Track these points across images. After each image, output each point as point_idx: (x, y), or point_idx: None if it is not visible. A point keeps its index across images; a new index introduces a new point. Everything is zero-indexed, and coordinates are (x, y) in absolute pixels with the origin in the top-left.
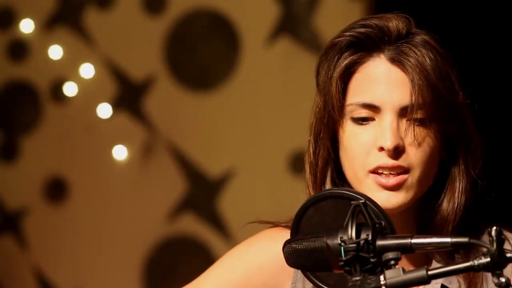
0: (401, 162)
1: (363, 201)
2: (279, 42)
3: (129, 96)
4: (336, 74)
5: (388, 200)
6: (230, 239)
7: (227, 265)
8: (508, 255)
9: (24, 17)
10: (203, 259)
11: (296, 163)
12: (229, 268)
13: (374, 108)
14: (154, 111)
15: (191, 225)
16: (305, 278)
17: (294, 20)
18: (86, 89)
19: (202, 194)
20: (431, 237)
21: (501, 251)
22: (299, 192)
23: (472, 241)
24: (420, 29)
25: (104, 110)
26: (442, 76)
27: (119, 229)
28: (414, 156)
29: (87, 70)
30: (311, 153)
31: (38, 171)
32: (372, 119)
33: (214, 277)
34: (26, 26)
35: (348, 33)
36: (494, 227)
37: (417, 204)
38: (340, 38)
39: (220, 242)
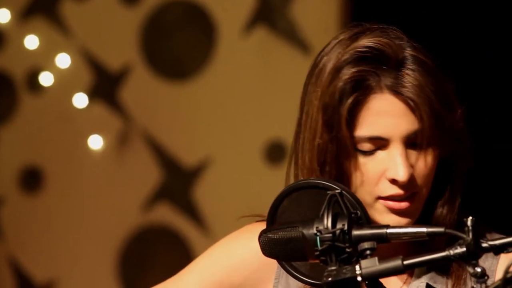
0: (411, 189)
1: (339, 191)
2: (256, 32)
3: (105, 86)
4: (344, 113)
5: (399, 222)
6: (206, 229)
7: (211, 258)
8: (484, 245)
9: (0, 7)
10: (178, 248)
11: (271, 153)
12: (212, 261)
13: (381, 141)
14: (130, 101)
15: (167, 215)
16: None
17: (270, 10)
18: (62, 79)
19: (178, 183)
20: (406, 227)
21: (477, 241)
22: (275, 182)
23: (448, 231)
24: (410, 41)
25: (80, 100)
26: (443, 98)
27: (94, 219)
28: (421, 179)
29: (63, 60)
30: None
31: (13, 161)
32: (379, 148)
33: (198, 270)
34: (2, 15)
35: (345, 77)
36: (470, 217)
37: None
38: (339, 86)
39: (195, 231)
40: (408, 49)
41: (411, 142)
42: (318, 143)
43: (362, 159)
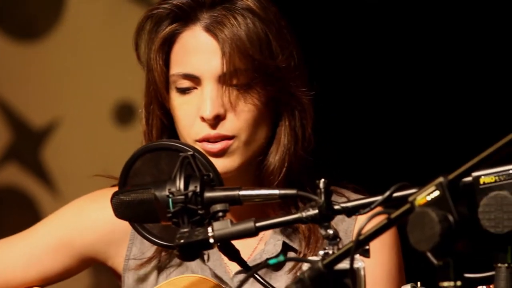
0: (222, 131)
1: (191, 153)
2: None
3: None
4: (154, 47)
5: (215, 164)
6: (54, 190)
7: (63, 217)
8: (336, 207)
9: None
10: (27, 209)
11: (121, 114)
12: (64, 220)
13: (194, 78)
14: None
15: (15, 176)
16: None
17: None
18: None
19: (27, 144)
20: (259, 189)
21: (329, 203)
22: (125, 143)
23: (300, 193)
24: None
25: None
26: (259, 42)
27: None
28: (237, 122)
29: None
30: (144, 123)
31: None
32: (195, 88)
33: (49, 227)
34: None
35: (162, 5)
36: (323, 179)
37: (255, 168)
38: (155, 11)
39: (44, 193)
40: None
41: (227, 83)
42: (145, 85)
43: (179, 99)
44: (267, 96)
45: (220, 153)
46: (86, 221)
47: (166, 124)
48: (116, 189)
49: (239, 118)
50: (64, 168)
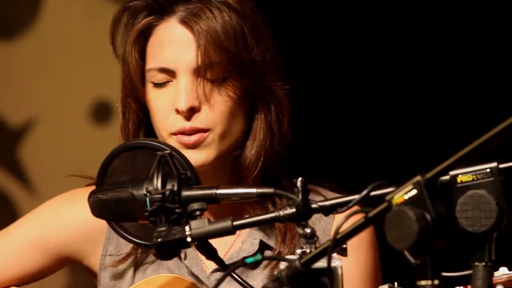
0: (197, 124)
1: (168, 151)
2: None
3: None
4: (130, 39)
5: (190, 158)
6: (31, 189)
7: (40, 217)
8: (313, 206)
9: None
10: (3, 208)
11: (98, 113)
12: (41, 219)
13: (169, 72)
14: None
15: None
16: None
17: None
18: None
19: (3, 143)
20: (236, 187)
21: (306, 202)
22: (102, 142)
23: (278, 192)
24: None
25: None
26: (235, 35)
27: None
28: (212, 115)
29: None
30: (121, 117)
31: None
32: (170, 80)
33: (25, 226)
34: None
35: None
36: (300, 178)
37: (232, 162)
38: (131, 4)
39: (21, 191)
40: None
41: (202, 75)
42: (121, 79)
43: (154, 92)
44: (242, 89)
45: (195, 145)
46: (62, 220)
47: (143, 118)
48: (91, 188)
49: (214, 111)
50: (41, 167)
